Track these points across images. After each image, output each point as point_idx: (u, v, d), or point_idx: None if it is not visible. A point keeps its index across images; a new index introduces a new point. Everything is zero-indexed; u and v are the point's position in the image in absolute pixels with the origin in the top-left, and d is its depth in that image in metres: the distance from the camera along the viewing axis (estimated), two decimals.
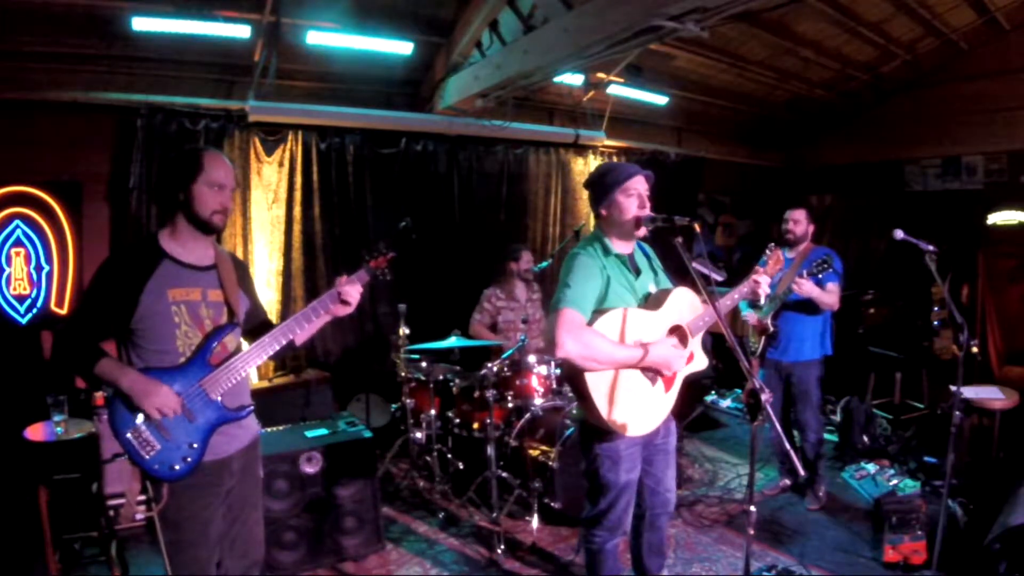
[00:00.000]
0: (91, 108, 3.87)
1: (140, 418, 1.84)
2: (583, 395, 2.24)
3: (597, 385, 2.21)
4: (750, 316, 3.77)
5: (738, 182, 7.75)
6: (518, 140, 5.58)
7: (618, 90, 5.35)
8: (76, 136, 3.95)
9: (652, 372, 2.31)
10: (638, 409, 2.29)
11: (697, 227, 2.20)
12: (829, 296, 3.62)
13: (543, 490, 3.58)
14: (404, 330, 4.11)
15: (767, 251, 2.70)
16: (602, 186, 2.38)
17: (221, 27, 3.64)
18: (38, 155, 3.84)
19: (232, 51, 4.05)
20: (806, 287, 3.43)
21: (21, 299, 3.86)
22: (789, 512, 3.82)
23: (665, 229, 2.26)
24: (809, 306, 3.67)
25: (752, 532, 2.07)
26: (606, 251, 2.35)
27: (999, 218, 5.86)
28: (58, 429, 3.02)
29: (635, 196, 2.33)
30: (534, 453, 3.73)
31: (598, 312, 2.24)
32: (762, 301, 2.64)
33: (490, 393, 3.62)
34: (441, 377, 4.13)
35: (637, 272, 2.41)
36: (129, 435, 1.84)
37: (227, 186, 2.00)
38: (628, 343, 2.23)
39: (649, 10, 3.10)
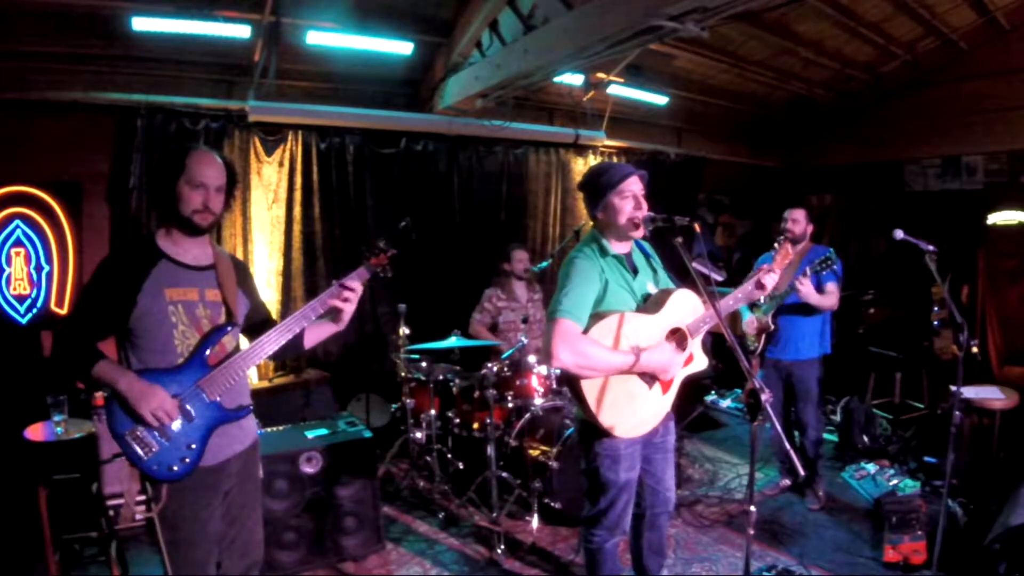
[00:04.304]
0: (91, 108, 3.87)
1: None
2: (580, 399, 2.24)
3: (593, 388, 2.21)
4: (749, 323, 3.76)
5: (738, 182, 7.75)
6: (518, 140, 5.58)
7: (618, 90, 5.35)
8: (76, 136, 3.95)
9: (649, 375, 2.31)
10: (635, 411, 2.29)
11: (697, 227, 2.19)
12: (827, 299, 3.63)
13: (543, 490, 3.58)
14: (404, 330, 4.11)
15: (776, 244, 2.70)
16: (596, 189, 2.36)
17: (221, 27, 3.64)
18: (38, 155, 3.84)
19: (232, 51, 4.05)
20: (804, 289, 3.42)
21: (21, 299, 3.86)
22: (789, 512, 3.83)
23: (665, 229, 2.25)
24: (808, 305, 3.67)
25: (752, 532, 2.07)
26: (603, 252, 2.34)
27: (999, 218, 5.85)
28: (58, 429, 3.02)
29: (630, 198, 2.31)
30: (534, 453, 3.73)
31: (595, 317, 2.23)
32: (765, 297, 2.63)
33: (490, 393, 3.62)
34: (441, 377, 4.12)
35: (635, 272, 2.40)
36: (127, 436, 1.84)
37: (209, 185, 1.95)
38: (625, 348, 2.22)
39: (649, 10, 3.09)
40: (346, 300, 2.11)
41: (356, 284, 2.12)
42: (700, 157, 6.96)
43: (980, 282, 5.74)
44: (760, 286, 2.47)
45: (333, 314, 2.16)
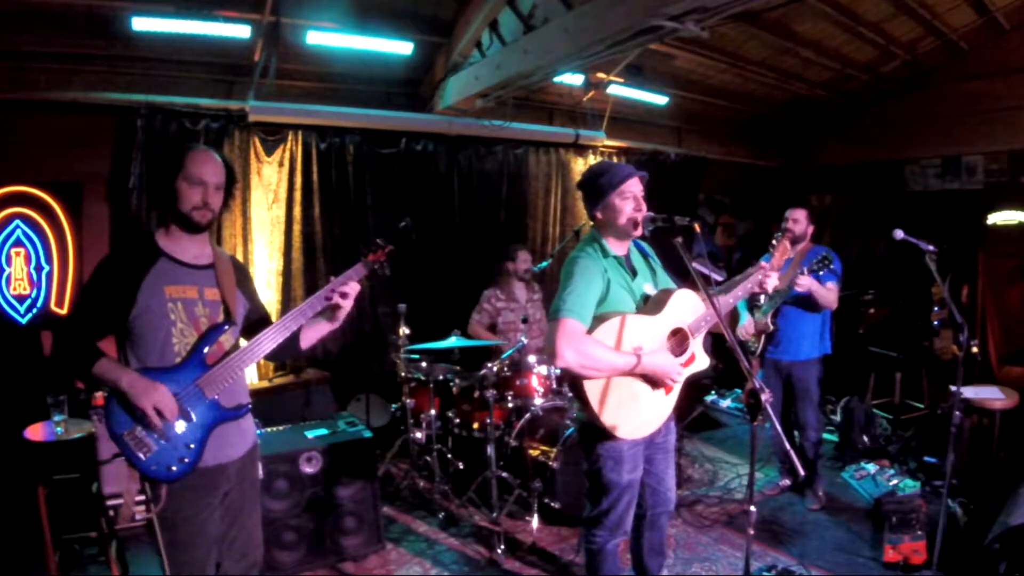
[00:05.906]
0: (91, 108, 3.87)
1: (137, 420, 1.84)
2: (583, 400, 2.24)
3: (596, 389, 2.21)
4: (747, 327, 3.75)
5: (738, 182, 7.74)
6: (518, 140, 5.57)
7: (618, 90, 5.35)
8: (76, 136, 3.95)
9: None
10: (639, 412, 2.29)
11: (697, 227, 2.19)
12: (828, 293, 3.62)
13: (543, 490, 3.58)
14: (404, 330, 4.11)
15: (774, 241, 2.70)
16: (596, 188, 2.35)
17: (221, 27, 3.64)
18: (38, 155, 3.84)
19: (232, 51, 4.05)
20: (805, 282, 3.42)
21: (21, 299, 3.86)
22: (789, 512, 3.83)
23: (665, 229, 2.25)
24: (808, 304, 3.67)
25: (752, 532, 2.07)
26: (604, 253, 2.34)
27: (999, 218, 5.85)
28: (58, 429, 3.02)
29: (630, 199, 2.30)
30: (534, 453, 3.73)
31: (598, 318, 2.23)
32: (765, 298, 2.64)
33: (490, 393, 3.62)
34: (441, 377, 4.12)
35: (633, 273, 2.40)
36: (125, 436, 1.83)
37: (208, 183, 1.95)
38: (627, 350, 2.22)
39: (649, 10, 3.09)
40: (344, 296, 2.11)
41: (353, 281, 2.12)
42: (700, 157, 6.95)
43: (980, 282, 5.74)
44: (761, 286, 2.47)
45: (331, 312, 2.16)
